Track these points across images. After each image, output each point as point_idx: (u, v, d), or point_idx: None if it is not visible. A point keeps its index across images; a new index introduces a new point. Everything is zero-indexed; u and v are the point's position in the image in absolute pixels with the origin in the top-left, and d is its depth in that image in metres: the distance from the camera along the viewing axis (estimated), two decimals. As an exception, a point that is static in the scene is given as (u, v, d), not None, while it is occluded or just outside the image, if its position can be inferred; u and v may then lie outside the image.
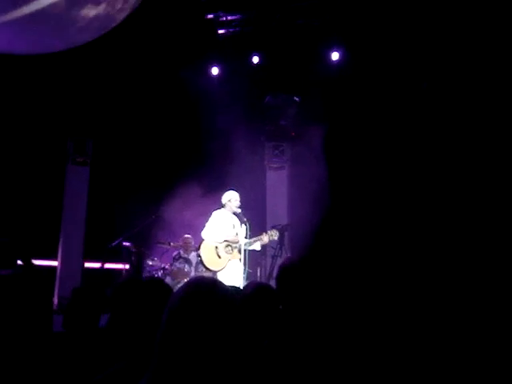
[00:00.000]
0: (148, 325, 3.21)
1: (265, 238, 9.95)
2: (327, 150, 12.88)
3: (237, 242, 9.94)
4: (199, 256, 10.20)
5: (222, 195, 10.33)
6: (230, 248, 9.92)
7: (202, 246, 10.12)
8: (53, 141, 14.06)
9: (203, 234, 10.14)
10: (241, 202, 10.28)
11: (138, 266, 11.83)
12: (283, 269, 3.48)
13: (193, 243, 11.62)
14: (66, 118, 14.10)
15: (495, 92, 10.21)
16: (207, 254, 9.90)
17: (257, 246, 10.01)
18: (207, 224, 10.18)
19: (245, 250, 9.84)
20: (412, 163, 11.63)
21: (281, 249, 10.44)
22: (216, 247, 9.92)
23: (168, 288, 3.57)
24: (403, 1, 11.84)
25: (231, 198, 10.20)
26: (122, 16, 9.25)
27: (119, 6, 8.97)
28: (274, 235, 10.06)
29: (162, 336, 1.86)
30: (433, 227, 10.29)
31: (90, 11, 8.60)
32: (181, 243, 11.80)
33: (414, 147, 11.75)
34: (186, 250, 11.72)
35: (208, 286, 1.96)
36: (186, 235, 11.83)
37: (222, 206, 10.24)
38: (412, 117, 11.82)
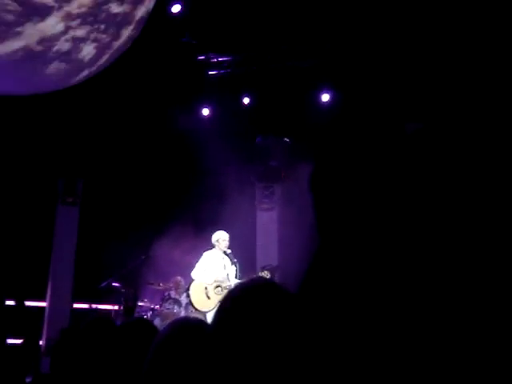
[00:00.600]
0: (129, 367, 3.18)
1: None
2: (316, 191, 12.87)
3: (227, 283, 9.91)
4: (188, 296, 10.16)
5: (212, 236, 10.34)
6: (219, 289, 9.89)
7: (192, 287, 10.08)
8: (43, 181, 14.03)
9: (193, 274, 10.11)
10: (231, 242, 10.28)
11: (130, 307, 11.74)
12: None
13: (183, 284, 11.56)
14: (56, 159, 14.09)
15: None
16: (196, 294, 9.86)
17: None
18: (197, 264, 10.16)
19: (235, 291, 9.79)
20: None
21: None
22: (205, 288, 9.88)
23: (153, 329, 3.55)
24: (392, 43, 11.95)
25: (219, 238, 10.22)
26: (110, 60, 9.32)
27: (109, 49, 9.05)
28: (265, 276, 10.04)
29: (145, 376, 1.82)
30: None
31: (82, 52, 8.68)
32: (171, 284, 11.74)
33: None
34: (177, 291, 11.66)
35: (192, 325, 1.92)
36: (177, 277, 11.77)
37: (212, 246, 10.24)
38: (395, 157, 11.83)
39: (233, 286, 9.77)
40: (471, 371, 0.80)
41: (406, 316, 0.82)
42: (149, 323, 3.69)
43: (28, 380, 4.33)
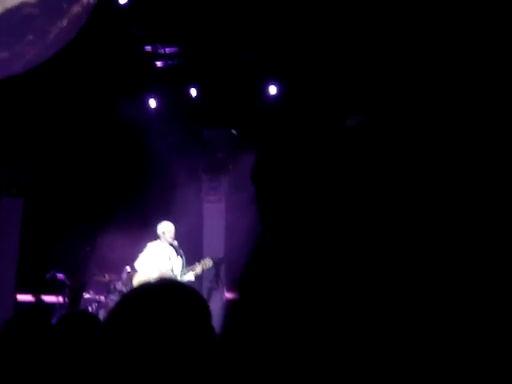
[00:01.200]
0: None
1: (198, 269, 9.95)
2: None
3: (171, 274, 9.90)
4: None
5: (157, 227, 10.33)
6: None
7: (135, 279, 10.07)
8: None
9: (136, 264, 10.11)
10: (177, 234, 10.28)
11: (74, 299, 11.64)
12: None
13: (131, 275, 11.52)
14: None
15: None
16: (141, 286, 9.83)
17: (190, 277, 9.99)
18: (141, 255, 10.14)
19: (180, 282, 9.81)
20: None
21: (217, 282, 10.42)
22: (149, 279, 9.87)
23: (94, 319, 3.55)
24: (343, 36, 12.04)
25: (164, 230, 10.22)
26: (51, 52, 9.22)
27: (49, 41, 8.94)
28: (208, 264, 10.07)
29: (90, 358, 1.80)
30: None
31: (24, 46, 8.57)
32: (123, 276, 11.68)
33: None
34: (123, 282, 11.59)
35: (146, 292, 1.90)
36: (129, 270, 11.68)
37: (158, 237, 10.22)
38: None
39: (178, 276, 9.81)
40: (471, 371, 0.81)
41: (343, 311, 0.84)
42: (91, 316, 3.69)
43: None
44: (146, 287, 1.93)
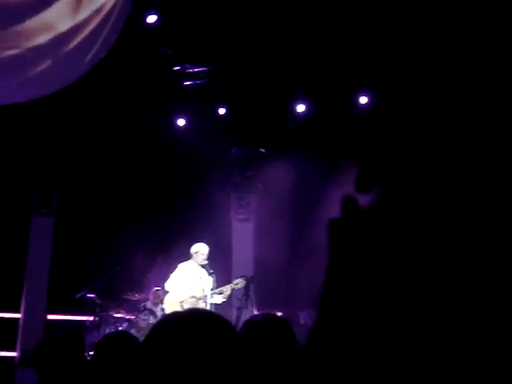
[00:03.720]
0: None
1: (227, 291, 9.95)
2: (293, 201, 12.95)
3: (202, 294, 9.90)
4: (163, 310, 10.15)
5: (188, 246, 10.34)
6: (194, 300, 9.87)
7: (166, 300, 10.08)
8: (16, 194, 13.92)
9: (167, 285, 10.11)
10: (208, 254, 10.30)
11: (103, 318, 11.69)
12: (250, 324, 3.42)
13: (161, 296, 11.53)
14: (30, 170, 13.99)
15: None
16: (171, 308, 9.82)
17: (217, 300, 9.97)
18: (172, 275, 10.15)
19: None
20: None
21: (246, 300, 10.38)
22: (181, 302, 9.86)
23: (131, 339, 3.55)
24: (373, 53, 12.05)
25: (199, 251, 10.21)
26: (85, 69, 9.27)
27: (85, 59, 9.00)
28: (239, 284, 10.04)
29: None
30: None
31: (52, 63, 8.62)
32: (151, 296, 11.71)
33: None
34: (153, 302, 11.62)
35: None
36: (156, 288, 11.69)
37: (189, 257, 10.23)
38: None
39: (208, 297, 9.80)
40: (471, 371, 0.82)
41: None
42: (129, 336, 3.69)
43: None
44: (182, 315, 1.92)
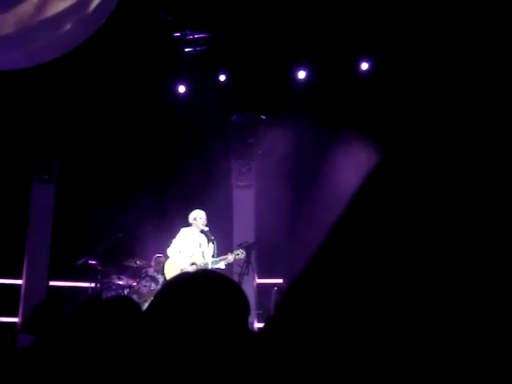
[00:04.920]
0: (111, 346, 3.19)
1: (230, 257, 9.99)
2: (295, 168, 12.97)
3: (202, 260, 9.95)
4: (164, 275, 10.21)
5: (188, 214, 10.36)
6: (194, 266, 9.91)
7: (167, 266, 10.13)
8: (17, 158, 13.92)
9: (169, 251, 10.16)
10: (208, 220, 10.32)
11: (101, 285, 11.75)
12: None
13: (163, 262, 11.58)
14: (31, 135, 13.96)
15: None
16: (172, 273, 9.86)
17: (221, 265, 10.02)
18: (174, 241, 10.20)
19: (211, 269, 9.85)
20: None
21: (247, 267, 10.43)
22: (182, 268, 9.91)
23: (135, 305, 3.57)
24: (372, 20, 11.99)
25: (196, 217, 10.24)
26: (85, 35, 9.24)
27: (84, 24, 8.96)
28: (240, 254, 10.09)
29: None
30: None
31: (56, 28, 8.59)
32: (153, 262, 11.76)
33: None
34: (155, 268, 11.67)
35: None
36: (158, 255, 11.73)
37: (189, 224, 10.27)
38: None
39: (209, 263, 9.85)
40: (471, 371, 0.82)
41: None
42: (130, 301, 3.71)
43: None
44: (189, 276, 1.94)
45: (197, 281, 1.85)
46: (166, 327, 1.74)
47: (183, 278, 1.93)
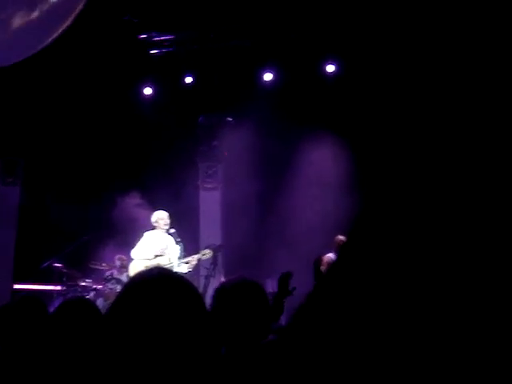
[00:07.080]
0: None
1: (193, 261, 10.00)
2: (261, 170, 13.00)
3: (168, 264, 9.93)
4: (128, 276, 10.18)
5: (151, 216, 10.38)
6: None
7: (131, 266, 10.11)
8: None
9: (132, 253, 10.13)
10: (174, 222, 10.31)
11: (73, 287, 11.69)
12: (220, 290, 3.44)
13: (126, 263, 11.55)
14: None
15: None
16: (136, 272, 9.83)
17: (183, 269, 10.00)
18: (138, 244, 10.17)
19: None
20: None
21: (214, 269, 10.42)
22: (146, 266, 9.88)
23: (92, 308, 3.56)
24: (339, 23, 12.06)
25: (158, 218, 10.24)
26: (50, 37, 9.18)
27: (49, 26, 8.90)
28: (207, 254, 10.08)
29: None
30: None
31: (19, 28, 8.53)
32: (117, 264, 11.73)
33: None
34: (119, 270, 11.64)
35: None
36: (120, 255, 11.72)
37: (154, 227, 10.26)
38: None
39: (175, 265, 9.83)
40: (471, 371, 0.83)
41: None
42: (89, 303, 3.70)
43: None
44: (144, 277, 1.94)
45: (150, 281, 1.86)
46: (124, 329, 1.74)
47: (137, 280, 1.94)
